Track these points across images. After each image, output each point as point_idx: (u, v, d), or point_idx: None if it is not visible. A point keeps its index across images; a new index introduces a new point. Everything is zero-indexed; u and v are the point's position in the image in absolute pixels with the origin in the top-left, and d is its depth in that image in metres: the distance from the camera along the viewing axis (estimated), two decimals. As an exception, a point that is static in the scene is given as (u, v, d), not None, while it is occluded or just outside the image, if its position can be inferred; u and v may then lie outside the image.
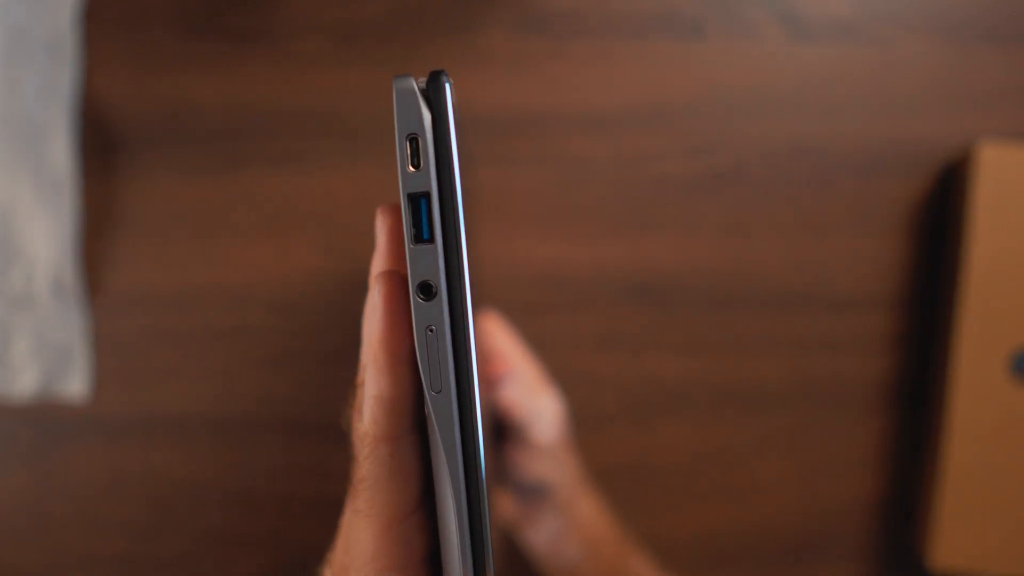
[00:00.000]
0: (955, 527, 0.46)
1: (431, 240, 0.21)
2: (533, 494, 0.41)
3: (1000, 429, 0.46)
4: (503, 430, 0.41)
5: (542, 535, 0.43)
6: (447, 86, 0.20)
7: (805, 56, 0.49)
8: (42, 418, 0.49)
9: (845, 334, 0.50)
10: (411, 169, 0.21)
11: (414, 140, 0.20)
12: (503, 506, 0.43)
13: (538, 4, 0.48)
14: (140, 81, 0.48)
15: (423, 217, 0.21)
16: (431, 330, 0.21)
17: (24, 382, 0.48)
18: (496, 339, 0.43)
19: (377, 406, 0.21)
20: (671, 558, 0.51)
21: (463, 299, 0.21)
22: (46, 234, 0.47)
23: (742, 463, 0.51)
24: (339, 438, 0.50)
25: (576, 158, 0.49)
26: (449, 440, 0.22)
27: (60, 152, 0.47)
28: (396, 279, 0.21)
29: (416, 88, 0.20)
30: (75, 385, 0.48)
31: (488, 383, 0.40)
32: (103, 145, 0.48)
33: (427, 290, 0.21)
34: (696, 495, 0.51)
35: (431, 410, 0.22)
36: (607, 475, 0.51)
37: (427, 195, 0.21)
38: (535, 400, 0.41)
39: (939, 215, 0.50)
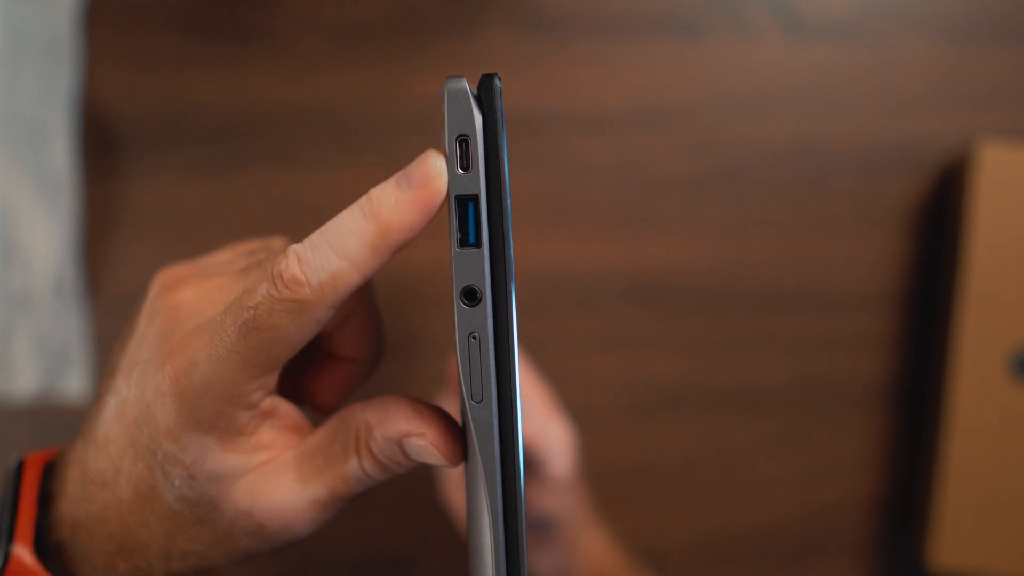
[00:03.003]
0: (955, 527, 0.46)
1: (477, 244, 0.20)
2: (540, 528, 0.41)
3: (1000, 429, 0.46)
4: None
5: (547, 567, 0.42)
6: (499, 89, 0.20)
7: (805, 56, 0.49)
8: (42, 418, 0.49)
9: (845, 334, 0.50)
10: (460, 171, 0.20)
11: (464, 142, 0.20)
12: None
13: (538, 4, 0.49)
14: (140, 81, 0.48)
15: (470, 221, 0.20)
16: (474, 337, 0.20)
17: (24, 382, 0.48)
18: None
19: (347, 276, 0.20)
20: (671, 558, 0.51)
21: (508, 306, 0.20)
22: (46, 234, 0.47)
23: (742, 463, 0.51)
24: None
25: (576, 158, 0.49)
26: (488, 453, 0.21)
27: (60, 152, 0.47)
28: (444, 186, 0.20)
29: (469, 89, 0.20)
30: (75, 385, 0.48)
31: None
32: (103, 145, 0.48)
33: (471, 295, 0.20)
34: (696, 495, 0.51)
35: (470, 420, 0.21)
36: (607, 475, 0.51)
37: (475, 198, 0.20)
38: (547, 433, 0.40)
39: (939, 215, 0.50)
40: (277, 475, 0.22)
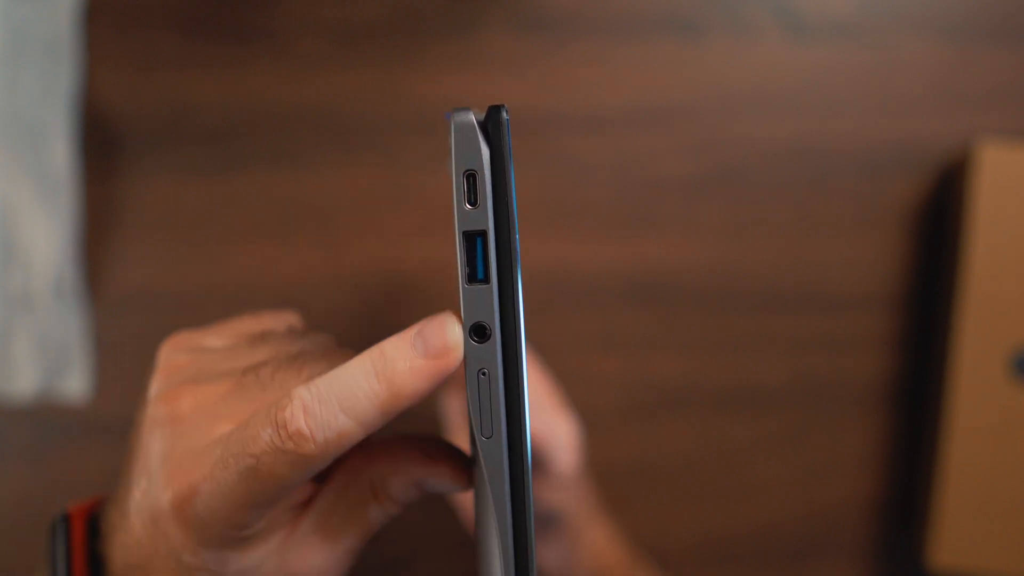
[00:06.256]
0: (955, 527, 0.46)
1: (486, 280, 0.20)
2: (546, 523, 0.41)
3: (1000, 429, 0.46)
4: None
5: (551, 561, 0.42)
6: (506, 122, 0.20)
7: (805, 56, 0.49)
8: (42, 418, 0.49)
9: (845, 334, 0.50)
10: (467, 206, 0.20)
11: (471, 176, 0.20)
12: None
13: (538, 4, 0.49)
14: (140, 81, 0.48)
15: (478, 256, 0.20)
16: (483, 373, 0.20)
17: (24, 382, 0.48)
18: None
19: (353, 434, 0.20)
20: (671, 558, 0.51)
21: (518, 342, 0.20)
22: (46, 234, 0.47)
23: (742, 463, 0.51)
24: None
25: (576, 158, 0.49)
26: (499, 487, 0.21)
27: (60, 152, 0.47)
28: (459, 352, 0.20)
29: (475, 123, 0.20)
30: (75, 385, 0.48)
31: None
32: (103, 145, 0.48)
33: (481, 332, 0.20)
34: (696, 495, 0.51)
35: (480, 455, 0.21)
36: (607, 475, 0.51)
37: (483, 234, 0.20)
38: (553, 428, 0.40)
39: (939, 215, 0.50)
40: (304, 544, 0.23)
